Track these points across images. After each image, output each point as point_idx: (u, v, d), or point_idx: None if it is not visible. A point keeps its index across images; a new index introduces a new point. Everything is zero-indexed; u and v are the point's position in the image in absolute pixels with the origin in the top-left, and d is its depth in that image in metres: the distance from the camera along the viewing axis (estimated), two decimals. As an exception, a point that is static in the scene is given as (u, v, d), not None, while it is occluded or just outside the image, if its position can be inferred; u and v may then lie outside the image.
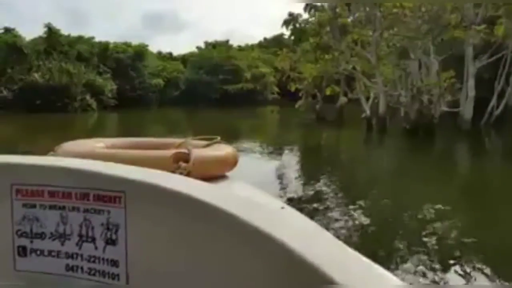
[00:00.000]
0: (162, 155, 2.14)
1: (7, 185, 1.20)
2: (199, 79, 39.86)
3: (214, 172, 2.25)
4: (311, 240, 0.87)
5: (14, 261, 1.21)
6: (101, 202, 1.13)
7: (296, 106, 20.09)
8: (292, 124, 20.25)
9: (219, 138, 2.54)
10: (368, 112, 15.89)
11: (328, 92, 19.90)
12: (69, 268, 1.18)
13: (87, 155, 1.80)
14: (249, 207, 1.00)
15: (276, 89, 42.79)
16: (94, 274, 1.16)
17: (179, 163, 2.01)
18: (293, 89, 20.04)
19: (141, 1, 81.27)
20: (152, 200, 1.10)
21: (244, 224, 0.91)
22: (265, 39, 57.74)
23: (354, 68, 15.85)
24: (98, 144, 2.46)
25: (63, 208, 1.17)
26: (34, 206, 1.19)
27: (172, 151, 2.18)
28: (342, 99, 20.00)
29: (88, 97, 29.44)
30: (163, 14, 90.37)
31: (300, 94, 20.41)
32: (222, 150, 2.42)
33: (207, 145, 2.46)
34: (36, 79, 27.61)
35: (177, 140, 2.58)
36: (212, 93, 39.10)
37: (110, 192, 1.13)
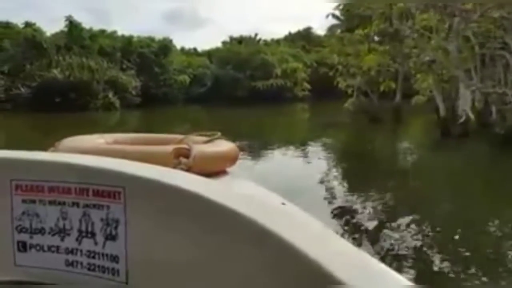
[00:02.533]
0: (162, 151, 2.14)
1: (6, 180, 1.19)
2: (226, 75, 37.48)
3: (214, 168, 2.26)
4: (314, 237, 0.86)
5: (14, 256, 1.21)
6: (100, 197, 1.13)
7: (346, 105, 17.43)
8: (342, 125, 17.61)
9: (219, 134, 2.55)
10: (443, 111, 13.14)
11: (382, 88, 17.27)
12: (69, 263, 1.18)
13: (87, 151, 1.80)
14: (249, 203, 1.00)
15: (307, 85, 40.16)
16: (93, 270, 1.15)
17: (180, 159, 2.04)
18: (343, 85, 17.41)
19: (161, -3, 79.78)
20: (152, 196, 1.10)
21: (245, 220, 0.90)
22: (290, 33, 55.35)
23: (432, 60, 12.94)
24: (99, 140, 2.46)
25: (63, 203, 1.17)
26: (33, 201, 1.19)
27: (173, 146, 2.18)
28: (418, 98, 16.81)
29: (110, 94, 27.37)
30: (182, 11, 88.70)
31: (349, 91, 17.75)
32: (223, 146, 2.43)
33: (208, 141, 2.46)
34: (56, 75, 25.66)
35: (178, 136, 2.58)
36: (239, 89, 36.69)
37: (109, 188, 1.12)
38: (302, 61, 41.30)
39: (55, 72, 25.84)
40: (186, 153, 2.09)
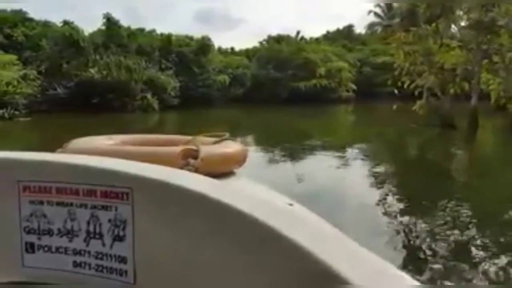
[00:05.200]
0: (170, 152, 2.12)
1: (14, 182, 1.19)
2: (267, 75, 35.72)
3: (222, 169, 2.25)
4: (322, 238, 0.86)
5: (22, 257, 1.21)
6: (108, 198, 1.13)
7: (415, 108, 15.18)
8: (409, 132, 15.37)
9: (227, 135, 2.54)
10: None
11: (453, 89, 14.97)
12: (77, 264, 1.17)
13: (95, 152, 1.81)
14: (258, 204, 1.00)
15: (353, 86, 37.81)
16: (101, 271, 1.15)
17: (188, 160, 2.04)
18: (412, 86, 15.19)
19: (192, -1, 79.84)
20: (160, 197, 1.10)
21: (253, 220, 0.90)
22: (328, 32, 53.14)
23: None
24: (107, 141, 2.45)
25: (71, 204, 1.17)
26: (41, 202, 1.19)
27: (181, 147, 2.18)
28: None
29: (149, 95, 26.08)
30: (214, 11, 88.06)
31: (416, 93, 15.49)
32: (231, 147, 2.42)
33: (216, 142, 2.47)
34: (93, 75, 24.57)
35: (186, 137, 2.59)
36: (280, 90, 34.87)
37: (117, 188, 1.12)
38: (345, 60, 39.03)
39: (92, 71, 24.76)
40: (194, 154, 2.06)
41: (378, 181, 7.79)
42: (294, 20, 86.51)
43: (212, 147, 2.35)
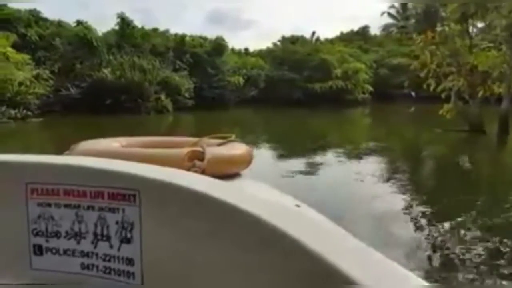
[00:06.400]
0: (177, 154, 2.12)
1: (22, 184, 1.20)
2: (281, 76, 35.07)
3: (228, 171, 2.25)
4: (329, 239, 0.85)
5: (30, 260, 1.21)
6: (115, 200, 1.13)
7: (442, 111, 14.35)
8: (442, 137, 14.55)
9: (233, 136, 2.54)
10: None
11: (482, 92, 14.15)
12: (85, 266, 1.18)
13: (102, 154, 1.80)
14: (265, 205, 1.00)
15: (369, 87, 36.95)
16: (109, 273, 1.15)
17: (194, 162, 2.03)
18: (439, 89, 14.38)
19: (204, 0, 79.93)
20: (167, 198, 1.10)
21: (259, 221, 0.90)
22: (342, 33, 52.27)
23: None
24: (114, 143, 2.46)
25: (78, 206, 1.17)
26: (49, 205, 1.19)
27: (187, 149, 2.17)
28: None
29: (163, 96, 25.61)
30: (225, 12, 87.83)
31: (443, 95, 14.67)
32: (237, 148, 2.42)
33: (222, 144, 2.48)
34: (106, 75, 24.17)
35: (192, 139, 2.60)
36: (295, 91, 34.22)
37: (124, 190, 1.13)
38: (362, 62, 38.18)
39: (106, 72, 24.36)
40: (200, 156, 2.08)
41: (408, 190, 7.12)
42: (304, 21, 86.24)
43: (218, 148, 2.37)
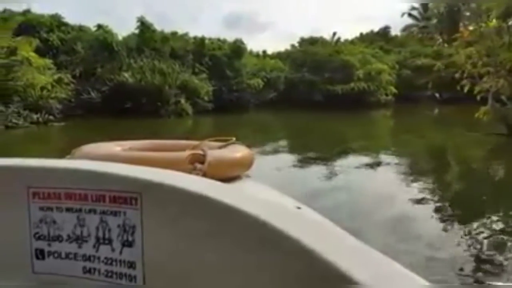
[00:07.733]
0: (178, 157, 2.13)
1: (23, 188, 1.19)
2: (301, 78, 34.49)
3: (229, 173, 2.25)
4: (331, 240, 0.85)
5: (32, 264, 1.20)
6: (117, 204, 1.12)
7: (478, 114, 13.60)
8: (479, 142, 13.80)
9: (234, 139, 2.52)
10: None
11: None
12: (87, 270, 1.16)
13: (103, 158, 1.80)
14: (266, 207, 0.99)
15: (393, 89, 36.11)
16: (111, 276, 1.13)
17: (195, 164, 2.04)
18: (475, 90, 13.66)
19: (221, 3, 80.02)
20: (168, 201, 1.09)
21: (262, 224, 0.89)
22: (362, 34, 51.40)
23: None
24: (115, 147, 2.44)
25: (80, 210, 1.16)
26: (51, 208, 1.18)
27: (188, 152, 2.19)
28: None
29: (182, 100, 25.36)
30: (242, 14, 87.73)
31: (479, 97, 13.94)
32: (238, 151, 2.41)
33: (223, 146, 2.47)
34: (127, 78, 24.05)
35: (193, 142, 2.59)
36: (315, 93, 33.58)
37: (126, 194, 1.11)
38: (384, 63, 37.34)
39: (126, 75, 24.24)
40: (201, 159, 2.06)
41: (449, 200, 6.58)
42: (321, 22, 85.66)
43: (219, 151, 2.36)
